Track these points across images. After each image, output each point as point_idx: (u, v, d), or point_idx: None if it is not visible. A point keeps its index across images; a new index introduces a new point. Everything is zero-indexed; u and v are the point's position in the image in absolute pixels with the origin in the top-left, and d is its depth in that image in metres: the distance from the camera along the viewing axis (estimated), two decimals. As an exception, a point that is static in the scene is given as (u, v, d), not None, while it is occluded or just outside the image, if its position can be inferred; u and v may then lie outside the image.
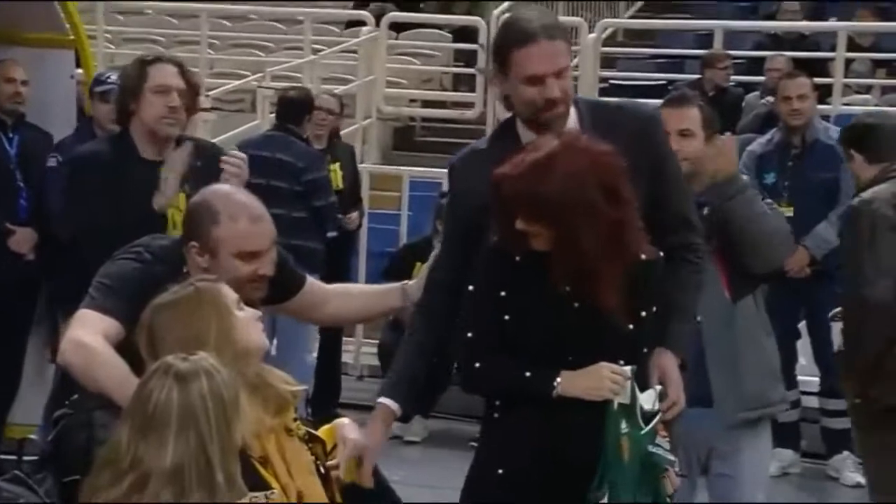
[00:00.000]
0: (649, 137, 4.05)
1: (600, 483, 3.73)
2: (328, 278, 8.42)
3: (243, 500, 3.34)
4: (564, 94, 3.93)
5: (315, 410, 7.71)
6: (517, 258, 3.82)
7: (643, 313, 3.85)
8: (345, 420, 4.02)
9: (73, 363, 3.88)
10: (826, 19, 13.20)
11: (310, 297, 4.46)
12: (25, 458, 3.89)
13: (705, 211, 4.59)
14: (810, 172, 7.67)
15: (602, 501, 3.71)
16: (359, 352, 9.63)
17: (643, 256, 3.84)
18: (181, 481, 3.22)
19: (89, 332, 3.89)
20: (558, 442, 3.79)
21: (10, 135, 7.22)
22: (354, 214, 9.10)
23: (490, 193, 3.79)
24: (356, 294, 4.78)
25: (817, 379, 7.89)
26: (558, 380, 3.75)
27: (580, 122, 3.99)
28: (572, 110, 3.99)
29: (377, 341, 9.13)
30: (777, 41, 12.56)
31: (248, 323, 3.72)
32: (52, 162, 7.13)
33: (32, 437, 3.92)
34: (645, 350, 3.90)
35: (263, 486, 3.57)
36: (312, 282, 4.48)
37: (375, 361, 9.15)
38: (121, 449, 3.29)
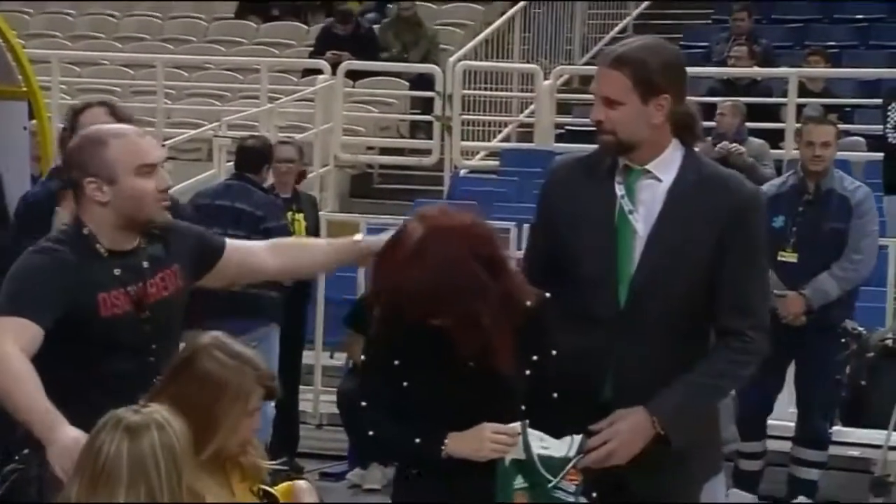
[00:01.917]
0: (746, 216, 3.99)
1: None
2: (285, 327, 8.51)
3: None
4: (612, 129, 3.91)
5: (273, 458, 7.62)
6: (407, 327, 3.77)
7: (535, 357, 3.82)
8: (303, 484, 3.96)
9: None
10: (777, 65, 13.26)
11: (238, 255, 4.28)
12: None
13: None
14: (821, 221, 7.55)
15: None
16: (317, 400, 9.56)
17: (528, 303, 3.81)
18: None
19: (3, 342, 3.72)
20: (460, 500, 3.79)
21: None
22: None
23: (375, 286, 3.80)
24: (309, 245, 4.77)
25: (790, 424, 7.79)
26: (446, 441, 3.74)
27: (681, 171, 3.96)
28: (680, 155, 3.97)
29: (335, 389, 9.06)
30: (730, 86, 12.63)
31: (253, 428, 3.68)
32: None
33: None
34: (555, 395, 3.84)
35: None
36: (232, 241, 4.33)
37: (334, 409, 9.07)
38: (69, 500, 3.23)
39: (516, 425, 3.75)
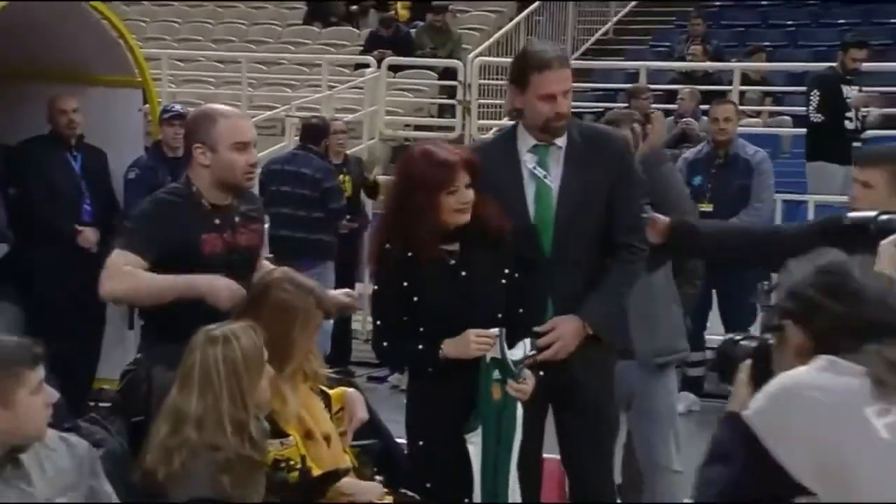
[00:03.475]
0: (623, 159, 4.08)
1: (475, 416, 3.75)
2: (341, 265, 8.55)
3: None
4: (568, 109, 3.99)
5: (331, 366, 7.68)
6: (409, 254, 3.76)
7: (506, 270, 3.81)
8: (353, 392, 3.94)
9: (116, 291, 3.79)
10: (725, 60, 13.20)
11: None
12: (101, 404, 3.84)
13: None
14: (729, 179, 7.58)
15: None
16: (365, 320, 9.59)
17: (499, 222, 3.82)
18: (203, 428, 3.21)
19: (113, 272, 3.76)
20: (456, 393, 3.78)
21: (74, 153, 7.13)
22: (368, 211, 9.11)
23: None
24: None
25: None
26: (442, 347, 3.74)
27: (569, 136, 4.00)
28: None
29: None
30: (688, 77, 12.58)
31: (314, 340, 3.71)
32: (131, 174, 7.20)
33: (105, 387, 3.87)
34: (521, 310, 3.83)
35: (282, 435, 3.53)
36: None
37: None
38: (170, 398, 3.32)
39: (494, 330, 3.74)
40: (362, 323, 9.61)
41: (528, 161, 4.01)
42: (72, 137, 7.10)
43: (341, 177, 8.72)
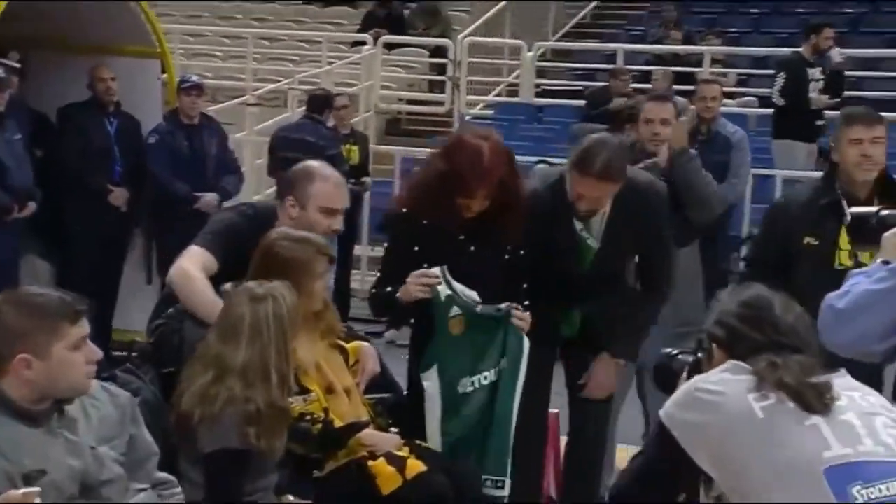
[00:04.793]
0: (658, 215, 4.10)
1: (430, 354, 3.65)
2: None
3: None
4: (595, 210, 3.94)
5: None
6: (424, 222, 3.72)
7: (509, 247, 3.83)
8: (367, 346, 3.85)
9: (176, 283, 3.73)
10: (695, 44, 13.09)
11: None
12: (133, 354, 3.73)
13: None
14: (710, 154, 7.45)
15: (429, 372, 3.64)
16: (363, 280, 9.52)
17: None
18: (247, 378, 3.12)
19: (192, 263, 3.72)
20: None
21: (111, 119, 7.15)
22: (367, 180, 9.03)
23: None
24: None
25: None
26: (398, 294, 3.71)
27: (615, 197, 3.96)
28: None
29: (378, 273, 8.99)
30: (661, 60, 12.47)
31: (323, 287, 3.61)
32: (152, 139, 7.20)
33: (138, 339, 3.77)
34: (524, 285, 3.83)
35: (304, 391, 3.45)
36: None
37: (375, 286, 9.03)
38: (209, 348, 3.21)
39: (435, 269, 3.66)
40: (360, 282, 9.53)
41: (577, 226, 4.04)
42: (110, 104, 7.14)
43: (348, 146, 8.63)
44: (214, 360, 3.16)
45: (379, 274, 3.91)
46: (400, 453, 3.53)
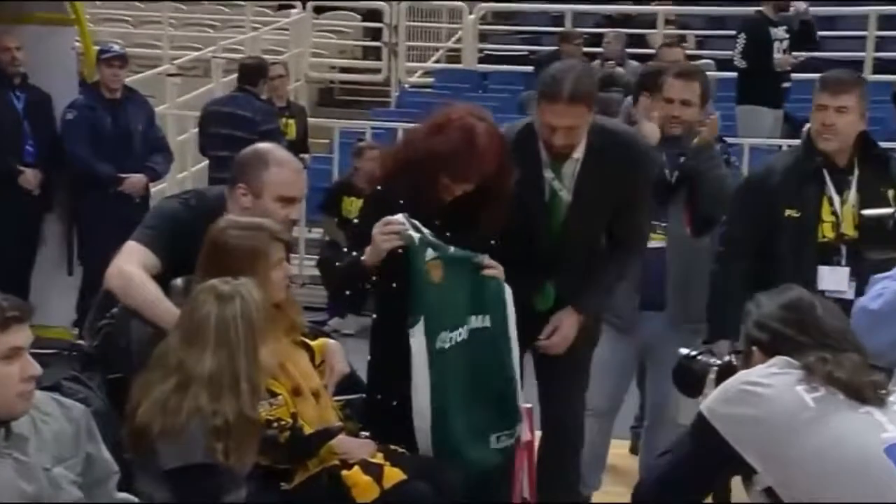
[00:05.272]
0: (637, 167, 4.01)
1: (416, 307, 3.57)
2: None
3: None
4: (571, 143, 3.84)
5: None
6: (401, 202, 3.66)
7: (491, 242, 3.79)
8: (333, 343, 3.78)
9: (115, 287, 3.58)
10: (649, 3, 13.09)
11: None
12: (72, 353, 3.59)
13: (681, 160, 4.49)
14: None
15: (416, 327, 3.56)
16: (302, 264, 9.40)
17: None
18: (214, 387, 3.01)
19: (130, 262, 3.58)
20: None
21: (17, 93, 6.92)
22: (306, 157, 8.89)
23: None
24: None
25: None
26: (363, 257, 3.65)
27: (588, 145, 3.90)
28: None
29: (315, 256, 8.93)
30: (611, 21, 12.45)
31: (282, 276, 3.47)
32: (69, 115, 6.97)
33: (81, 342, 3.63)
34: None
35: (270, 394, 3.34)
36: None
37: (315, 271, 8.91)
38: (170, 352, 3.09)
39: (398, 216, 3.60)
40: (299, 266, 9.41)
41: (547, 174, 3.96)
42: (15, 76, 6.90)
43: (284, 120, 8.50)
44: (177, 367, 3.05)
45: (349, 251, 3.82)
46: (375, 460, 3.46)
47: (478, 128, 3.65)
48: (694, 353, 2.85)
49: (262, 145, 3.81)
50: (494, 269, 3.72)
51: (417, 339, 3.56)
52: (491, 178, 3.67)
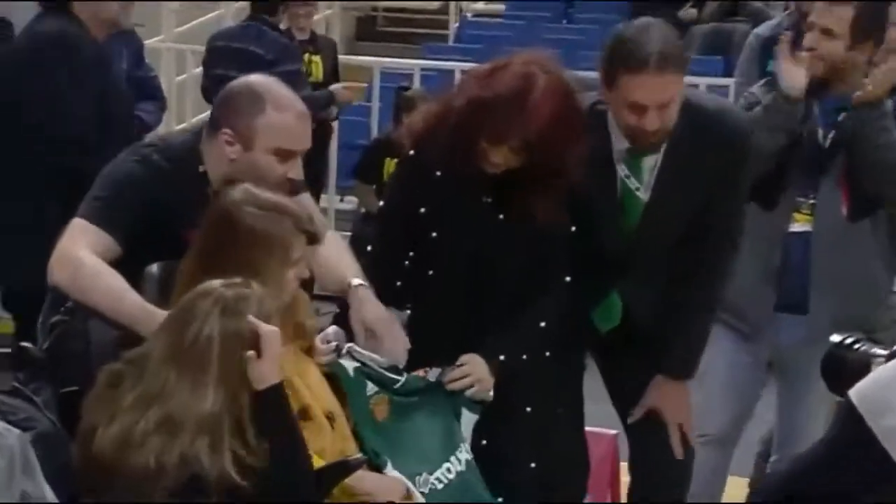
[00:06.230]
0: (735, 154, 4.00)
1: (377, 451, 3.57)
2: (305, 168, 8.28)
3: None
4: (664, 125, 3.81)
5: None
6: (437, 173, 3.69)
7: (573, 228, 3.85)
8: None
9: (59, 280, 3.51)
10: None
11: None
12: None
13: (840, 117, 4.43)
14: None
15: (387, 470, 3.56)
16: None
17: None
18: (218, 432, 2.99)
19: (78, 245, 3.51)
20: None
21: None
22: (334, 107, 8.87)
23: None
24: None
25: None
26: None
27: (677, 127, 3.89)
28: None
29: (348, 233, 8.92)
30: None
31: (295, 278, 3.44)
32: None
33: (26, 344, 3.61)
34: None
35: None
36: None
37: (346, 253, 8.91)
38: (149, 366, 3.06)
39: (330, 329, 3.61)
40: None
41: (620, 169, 3.97)
42: None
43: (307, 56, 8.49)
44: (160, 391, 3.03)
45: (371, 248, 3.91)
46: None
47: (538, 80, 3.63)
48: (850, 339, 2.86)
49: (257, 79, 3.70)
50: (458, 384, 3.71)
51: (398, 474, 3.59)
52: (543, 148, 3.63)
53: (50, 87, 5.40)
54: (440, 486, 3.61)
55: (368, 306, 3.67)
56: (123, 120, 5.71)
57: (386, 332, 3.67)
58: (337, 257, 3.77)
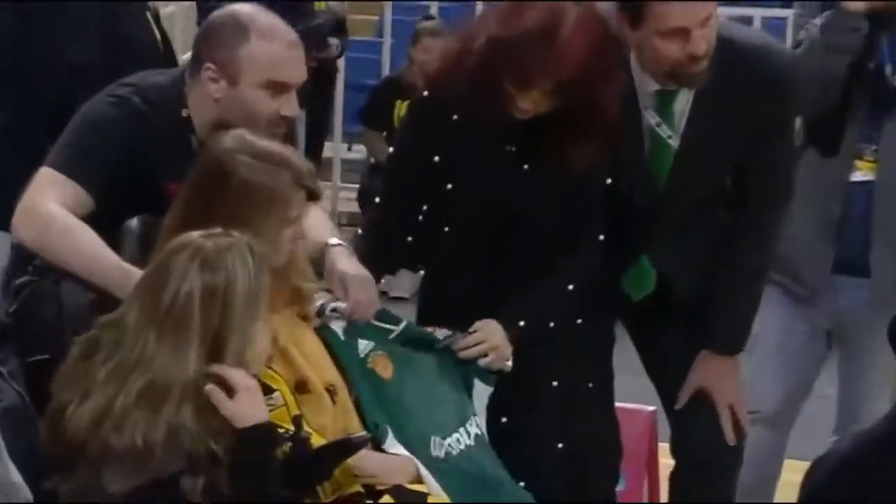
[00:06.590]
0: (778, 97, 3.99)
1: (377, 419, 3.59)
2: (308, 114, 8.28)
3: None
4: (711, 45, 3.81)
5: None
6: (455, 117, 3.74)
7: (609, 180, 3.89)
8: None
9: (25, 237, 3.54)
10: None
11: None
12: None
13: None
14: None
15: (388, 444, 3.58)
16: (336, 197, 9.42)
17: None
18: (202, 397, 3.03)
19: (46, 199, 3.51)
20: None
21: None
22: (335, 44, 8.87)
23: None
24: None
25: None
26: None
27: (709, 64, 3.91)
28: None
29: (356, 185, 8.95)
30: None
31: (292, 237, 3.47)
32: None
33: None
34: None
35: (266, 390, 3.34)
36: None
37: (354, 207, 8.92)
38: (126, 334, 3.08)
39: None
40: (332, 202, 9.56)
41: (649, 116, 3.98)
42: None
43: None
44: (139, 358, 3.04)
45: (380, 200, 3.96)
46: (417, 487, 3.50)
47: (568, 15, 3.64)
48: None
49: (241, 7, 3.71)
50: (468, 352, 3.73)
51: (401, 450, 3.62)
52: (578, 90, 3.64)
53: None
54: (455, 453, 3.65)
55: (343, 260, 3.70)
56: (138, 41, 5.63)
57: (355, 284, 3.67)
58: (316, 221, 3.78)
